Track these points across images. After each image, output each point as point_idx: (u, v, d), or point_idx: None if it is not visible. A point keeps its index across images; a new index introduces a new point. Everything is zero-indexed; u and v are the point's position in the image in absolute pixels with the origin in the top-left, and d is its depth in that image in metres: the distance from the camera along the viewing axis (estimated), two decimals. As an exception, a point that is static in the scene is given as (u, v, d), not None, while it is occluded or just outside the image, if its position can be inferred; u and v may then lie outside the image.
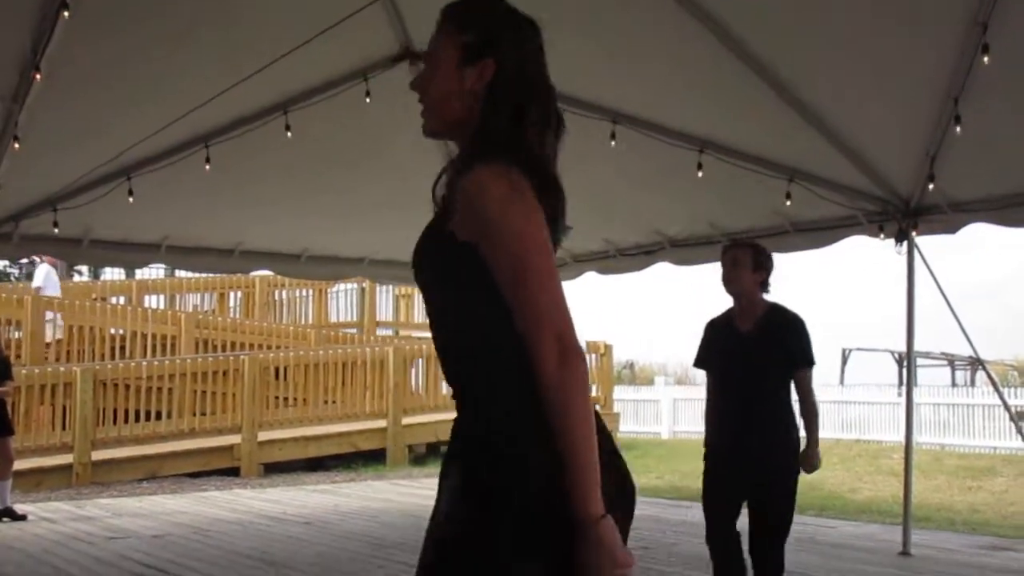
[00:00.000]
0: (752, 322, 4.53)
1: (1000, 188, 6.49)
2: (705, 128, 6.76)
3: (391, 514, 9.30)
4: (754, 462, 4.37)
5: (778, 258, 4.74)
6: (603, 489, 1.72)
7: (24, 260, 24.73)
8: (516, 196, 1.74)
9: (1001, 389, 10.38)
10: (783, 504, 4.42)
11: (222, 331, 15.75)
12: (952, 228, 6.96)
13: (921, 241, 7.27)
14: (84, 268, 20.81)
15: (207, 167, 6.79)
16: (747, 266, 4.53)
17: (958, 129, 5.70)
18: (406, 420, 14.56)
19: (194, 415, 13.15)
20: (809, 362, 4.51)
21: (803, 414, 4.46)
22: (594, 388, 17.23)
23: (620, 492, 1.83)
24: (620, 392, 19.95)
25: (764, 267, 4.57)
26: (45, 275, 15.25)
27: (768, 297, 4.57)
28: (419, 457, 14.93)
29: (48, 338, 14.41)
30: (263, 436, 13.23)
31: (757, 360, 4.47)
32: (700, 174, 6.69)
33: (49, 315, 14.52)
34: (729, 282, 4.56)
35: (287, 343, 15.93)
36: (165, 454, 12.51)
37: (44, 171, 6.78)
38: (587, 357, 14.62)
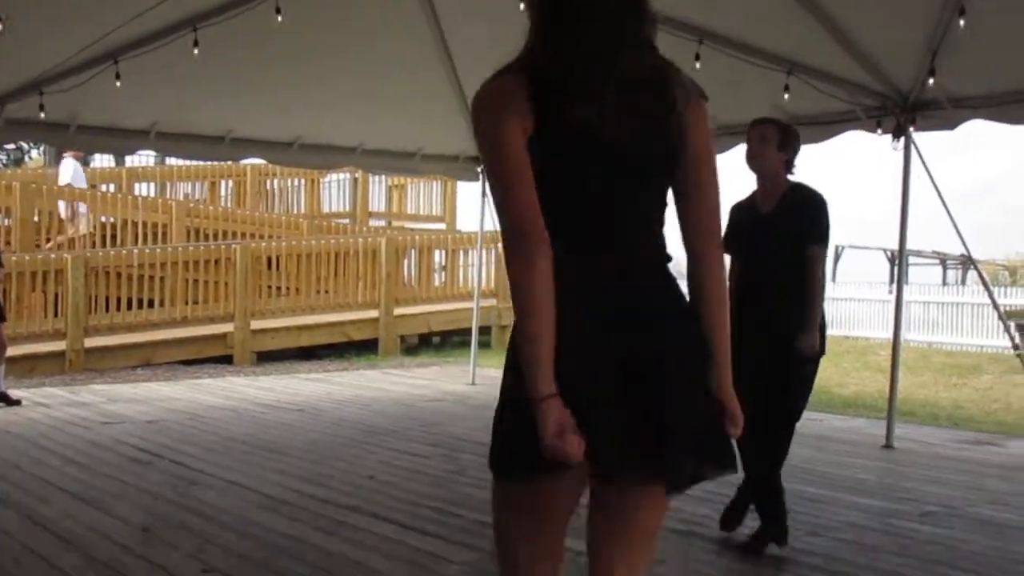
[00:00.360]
0: (774, 202, 4.46)
1: (1001, 84, 6.42)
2: (703, 17, 6.63)
3: (383, 403, 9.41)
4: (773, 345, 4.35)
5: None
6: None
7: (11, 146, 24.53)
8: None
9: (991, 288, 10.44)
10: (797, 389, 4.42)
11: (213, 220, 15.69)
12: (951, 124, 6.90)
13: (919, 140, 7.22)
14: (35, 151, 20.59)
15: (195, 51, 6.66)
16: (773, 143, 4.43)
17: (961, 23, 5.60)
18: (398, 311, 14.62)
19: (187, 303, 13.19)
20: (819, 240, 4.41)
21: (805, 291, 4.37)
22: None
23: None
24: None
25: (791, 147, 4.47)
26: (73, 170, 15.20)
27: (792, 178, 4.50)
28: (411, 347, 15.05)
29: (83, 230, 14.43)
30: (256, 325, 13.29)
31: (777, 240, 4.40)
32: (698, 65, 6.59)
33: (82, 208, 14.50)
34: (754, 158, 4.47)
35: (279, 233, 15.88)
36: (158, 342, 12.58)
37: (29, 53, 6.66)
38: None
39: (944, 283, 22.51)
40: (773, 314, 4.37)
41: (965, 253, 10.35)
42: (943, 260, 22.84)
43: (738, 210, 4.60)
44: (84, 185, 15.35)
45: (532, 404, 1.83)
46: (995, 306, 9.32)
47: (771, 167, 4.44)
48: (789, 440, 4.51)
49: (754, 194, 4.56)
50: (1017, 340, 9.66)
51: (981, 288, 9.72)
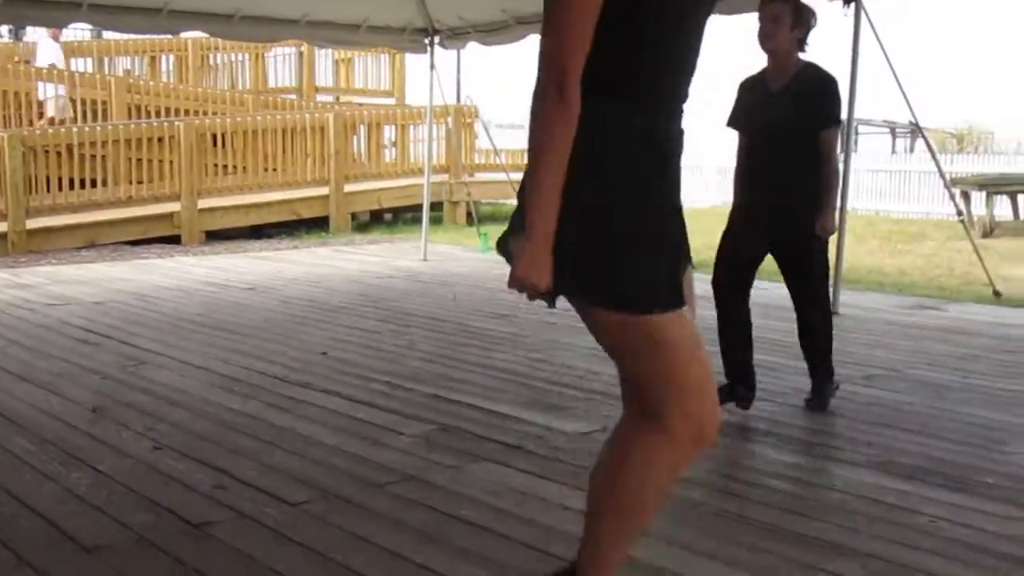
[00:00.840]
0: (784, 81, 4.42)
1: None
2: None
3: (334, 280, 9.37)
4: (779, 220, 4.43)
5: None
6: None
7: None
8: None
9: (937, 156, 10.50)
10: (807, 264, 4.52)
11: (155, 96, 15.26)
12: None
13: (870, 7, 7.15)
14: (3, 30, 19.83)
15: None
16: (786, 23, 4.36)
17: None
18: (348, 187, 14.46)
19: (131, 183, 12.92)
20: (835, 122, 4.46)
21: (824, 175, 4.43)
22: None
23: None
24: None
25: (804, 24, 4.41)
26: (55, 52, 14.68)
27: (804, 56, 4.46)
28: (362, 225, 14.96)
29: (50, 112, 14.00)
30: (203, 204, 13.08)
31: (786, 119, 4.40)
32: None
33: (60, 90, 14.03)
34: (767, 38, 4.39)
35: (224, 109, 15.52)
36: (103, 222, 12.36)
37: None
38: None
39: (893, 151, 22.65)
40: (781, 194, 4.44)
41: (913, 121, 10.39)
42: (893, 129, 22.94)
43: (747, 87, 4.58)
44: (62, 64, 14.90)
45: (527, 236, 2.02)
46: (940, 173, 9.38)
47: (784, 46, 4.40)
48: (827, 314, 4.71)
49: (764, 71, 4.52)
50: (961, 206, 9.78)
51: (929, 156, 9.76)
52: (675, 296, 2.10)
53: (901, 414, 4.66)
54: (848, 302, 7.62)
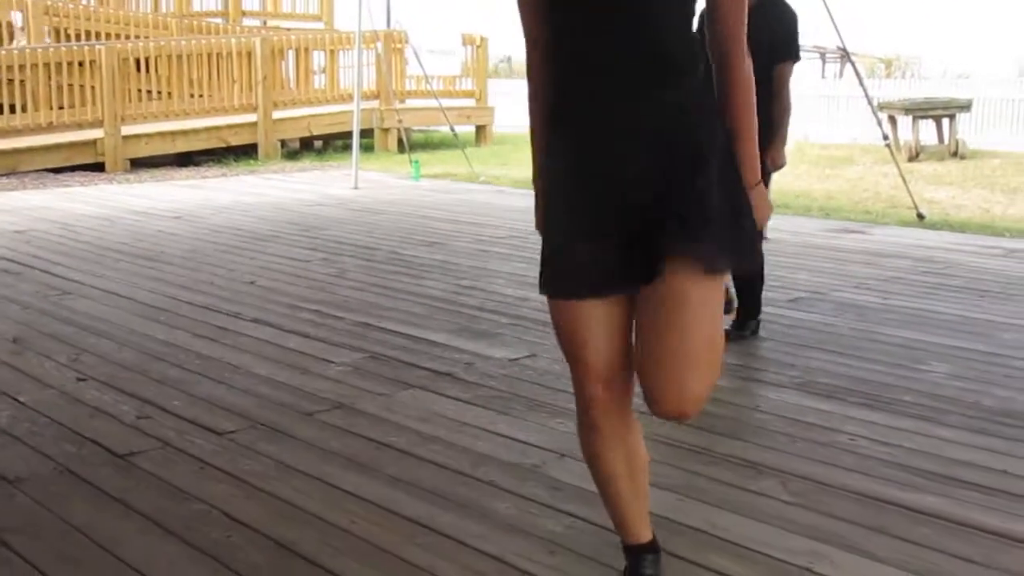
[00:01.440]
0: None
1: None
2: None
3: (263, 208, 9.24)
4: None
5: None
6: None
7: None
8: None
9: (865, 81, 10.59)
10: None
11: (75, 19, 14.75)
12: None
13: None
14: None
15: None
16: None
17: None
18: (277, 114, 14.20)
19: (52, 108, 12.54)
20: (792, 56, 4.44)
21: (775, 109, 4.37)
22: (469, 82, 16.99)
23: None
24: (496, 86, 19.74)
25: None
26: None
27: None
28: (292, 152, 14.73)
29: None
30: (127, 131, 12.76)
31: None
32: None
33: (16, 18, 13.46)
34: None
35: (146, 33, 15.07)
36: (23, 149, 12.00)
37: None
38: (463, 50, 14.28)
39: (823, 76, 22.81)
40: None
41: (842, 47, 10.45)
42: (822, 54, 23.07)
43: (701, 17, 4.50)
44: None
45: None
46: (868, 99, 9.47)
47: None
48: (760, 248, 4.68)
49: None
50: (887, 131, 9.90)
51: (857, 81, 9.85)
52: (556, 284, 2.09)
53: (824, 335, 4.76)
54: (775, 226, 7.68)
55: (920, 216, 8.51)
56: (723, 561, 2.52)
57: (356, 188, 10.63)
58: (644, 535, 2.31)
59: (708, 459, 3.23)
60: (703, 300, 1.98)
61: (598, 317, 2.05)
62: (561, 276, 2.07)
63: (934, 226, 8.26)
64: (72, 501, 2.90)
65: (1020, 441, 3.37)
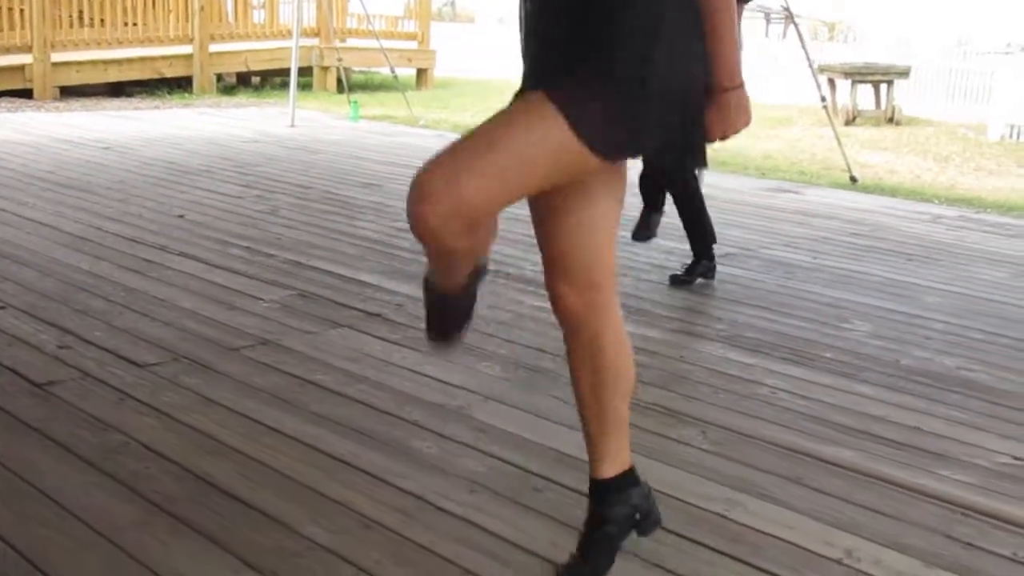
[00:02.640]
0: None
1: None
2: None
3: (196, 142, 9.05)
4: None
5: None
6: None
7: None
8: None
9: (808, 43, 10.65)
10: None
11: (4, -62, 14.22)
12: None
13: None
14: None
15: None
16: None
17: None
18: (214, 47, 13.86)
19: (-23, 31, 12.12)
20: None
21: None
22: (412, 23, 16.76)
23: None
24: (439, 29, 19.51)
25: None
26: None
27: None
28: (228, 87, 14.43)
29: None
30: (57, 57, 12.36)
31: None
32: None
33: None
34: None
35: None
36: (-53, 72, 11.62)
37: None
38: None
39: (767, 36, 22.90)
40: None
41: (786, 7, 10.48)
42: (767, 14, 23.15)
43: None
44: None
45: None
46: (808, 60, 9.53)
47: None
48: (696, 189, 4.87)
49: None
50: (825, 94, 9.98)
51: (799, 43, 9.90)
52: None
53: (752, 291, 4.82)
54: (711, 183, 7.73)
55: (853, 179, 8.63)
56: (641, 505, 2.55)
57: (293, 126, 10.47)
58: (607, 469, 2.18)
59: (632, 407, 3.26)
60: (520, 109, 1.88)
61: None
62: None
63: (866, 189, 8.38)
64: (-14, 428, 2.85)
65: (934, 400, 3.46)
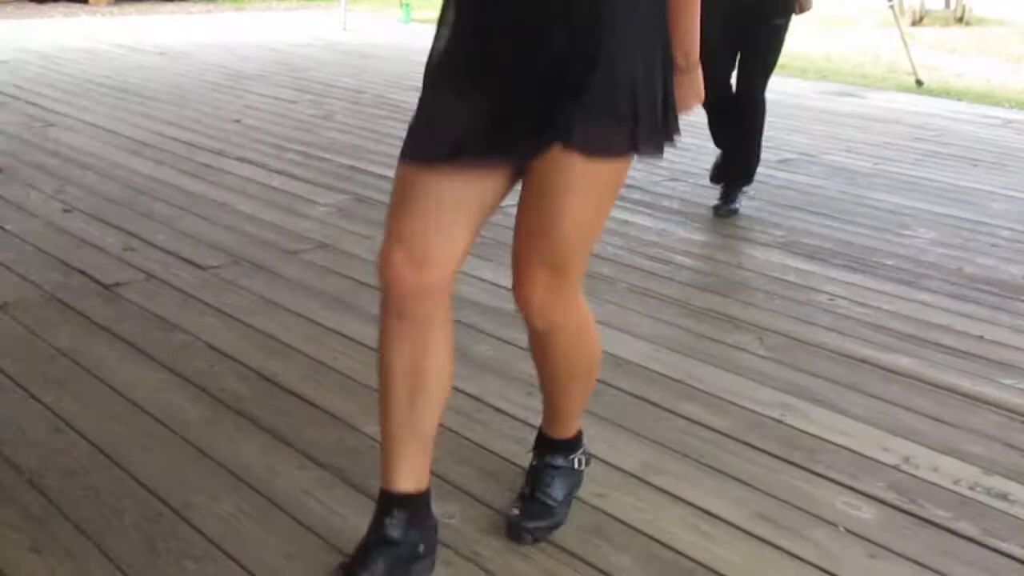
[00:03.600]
0: None
1: None
2: None
3: (250, 47, 9.04)
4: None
5: None
6: None
7: None
8: None
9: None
10: (770, 46, 4.33)
11: None
12: None
13: None
14: None
15: None
16: None
17: None
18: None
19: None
20: None
21: None
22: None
23: None
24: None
25: None
26: None
27: None
28: None
29: None
30: (111, -40, 12.35)
31: None
32: None
33: None
34: None
35: None
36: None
37: None
38: None
39: (830, -64, 22.10)
40: None
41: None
42: (832, -89, 22.32)
43: None
44: None
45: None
46: (875, -42, 9.25)
47: None
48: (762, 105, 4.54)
49: None
50: (892, -7, 9.67)
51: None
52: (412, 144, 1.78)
53: (811, 197, 4.75)
54: (770, 87, 7.59)
55: (919, 83, 8.41)
56: (696, 410, 2.57)
57: (345, 30, 10.40)
58: (401, 482, 1.84)
59: (686, 312, 3.27)
60: (587, 186, 1.75)
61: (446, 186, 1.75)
62: (416, 135, 1.79)
63: (932, 93, 8.16)
64: (59, 327, 2.92)
65: (999, 309, 3.42)
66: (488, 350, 2.89)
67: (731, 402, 2.62)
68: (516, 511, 2.04)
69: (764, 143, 4.57)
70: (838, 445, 2.43)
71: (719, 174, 4.53)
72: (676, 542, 2.00)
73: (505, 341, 2.95)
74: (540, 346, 1.97)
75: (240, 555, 1.90)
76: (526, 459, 2.28)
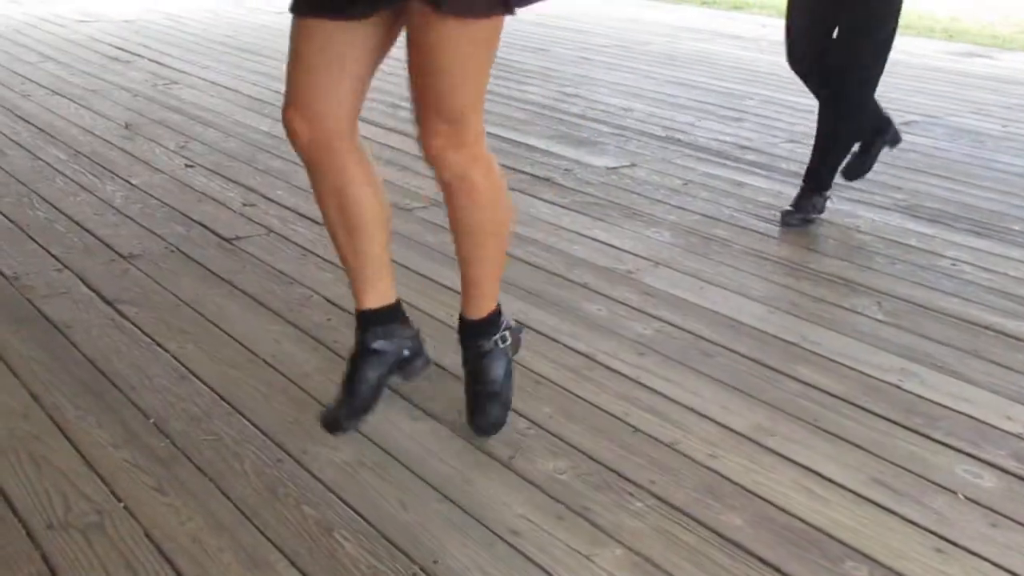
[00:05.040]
0: None
1: None
2: None
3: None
4: None
5: None
6: None
7: None
8: None
9: None
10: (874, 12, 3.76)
11: None
12: None
13: None
14: None
15: None
16: None
17: None
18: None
19: None
20: None
21: None
22: None
23: None
24: None
25: None
26: None
27: None
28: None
29: None
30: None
31: None
32: None
33: None
34: None
35: None
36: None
37: None
38: None
39: None
40: None
41: None
42: None
43: None
44: None
45: None
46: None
47: None
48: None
49: None
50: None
51: None
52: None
53: (935, 160, 4.61)
54: (895, 47, 7.35)
55: (1051, 42, 8.05)
56: (811, 373, 2.53)
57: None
58: (366, 300, 2.18)
59: (802, 274, 3.21)
60: (458, 45, 1.89)
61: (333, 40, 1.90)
62: None
63: (1066, 54, 7.81)
64: (181, 278, 3.02)
65: None
66: (599, 309, 2.88)
67: (848, 366, 2.57)
68: (470, 412, 2.19)
69: (885, 104, 4.26)
70: (959, 412, 2.37)
71: (846, 170, 3.86)
72: (789, 504, 1.98)
73: (617, 300, 2.94)
74: (449, 203, 2.13)
75: (357, 503, 1.95)
76: (638, 419, 2.28)
